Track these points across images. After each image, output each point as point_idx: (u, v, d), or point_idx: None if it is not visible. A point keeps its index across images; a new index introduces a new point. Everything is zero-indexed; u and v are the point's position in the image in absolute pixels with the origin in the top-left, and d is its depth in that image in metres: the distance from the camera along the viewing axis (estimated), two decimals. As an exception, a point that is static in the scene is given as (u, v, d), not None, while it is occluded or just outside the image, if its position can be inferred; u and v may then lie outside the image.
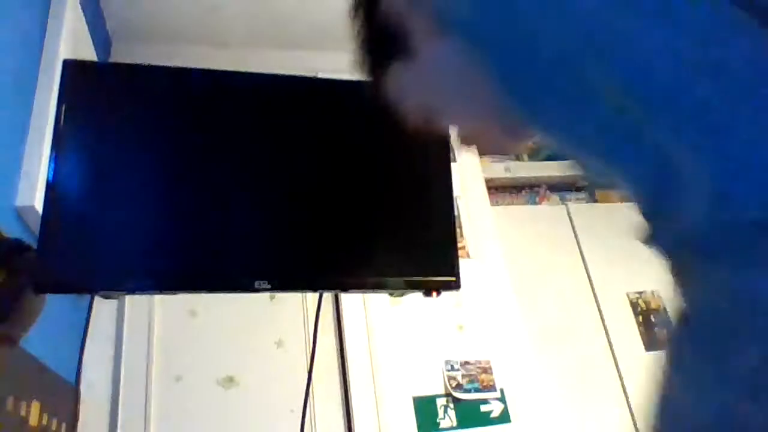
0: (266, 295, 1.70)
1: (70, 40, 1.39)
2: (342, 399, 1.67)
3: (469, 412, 1.68)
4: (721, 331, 0.31)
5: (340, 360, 1.72)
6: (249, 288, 0.83)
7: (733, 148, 0.31)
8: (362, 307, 1.78)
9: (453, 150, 2.13)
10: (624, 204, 2.64)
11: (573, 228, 2.43)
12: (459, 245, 2.04)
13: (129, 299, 1.63)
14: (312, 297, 1.76)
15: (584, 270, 2.34)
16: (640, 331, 2.25)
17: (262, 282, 0.83)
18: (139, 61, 0.94)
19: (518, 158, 2.79)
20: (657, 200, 0.36)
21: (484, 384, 1.73)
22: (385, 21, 0.51)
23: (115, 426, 1.50)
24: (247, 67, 0.94)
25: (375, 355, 1.72)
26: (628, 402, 2.10)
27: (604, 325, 2.23)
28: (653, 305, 2.32)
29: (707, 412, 0.31)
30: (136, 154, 0.86)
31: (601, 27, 0.35)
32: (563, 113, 0.39)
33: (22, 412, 0.99)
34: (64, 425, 1.20)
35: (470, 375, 1.73)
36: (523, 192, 2.60)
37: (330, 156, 0.94)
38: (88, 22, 1.54)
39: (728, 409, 0.30)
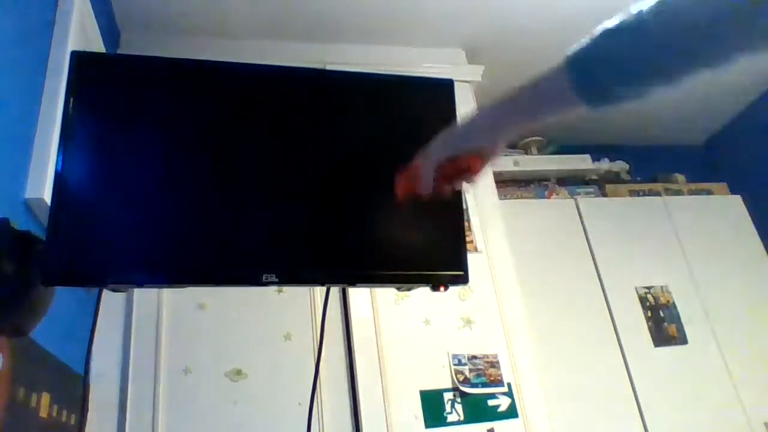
0: (274, 288, 1.70)
1: (79, 31, 1.38)
2: (349, 392, 1.67)
3: (477, 407, 1.68)
4: None
5: (347, 353, 1.72)
6: (257, 281, 0.82)
7: None
8: (370, 300, 1.78)
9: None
10: (633, 198, 2.65)
11: (582, 222, 2.41)
12: (467, 239, 2.03)
13: (138, 292, 1.64)
14: (320, 290, 1.76)
15: (593, 264, 2.32)
16: (648, 326, 2.24)
17: (269, 275, 0.82)
18: (147, 53, 0.94)
19: (527, 152, 2.78)
20: None
21: (492, 378, 1.73)
22: None
23: (124, 417, 1.51)
24: (256, 59, 0.93)
25: (382, 349, 1.71)
26: (636, 397, 2.09)
27: (612, 320, 2.22)
28: (662, 300, 2.31)
29: None
30: (144, 146, 0.86)
31: None
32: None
33: (33, 404, 0.99)
34: (73, 416, 1.21)
35: (477, 369, 1.73)
36: (532, 186, 2.59)
37: (338, 148, 0.94)
38: (96, 14, 1.54)
39: None
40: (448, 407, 1.66)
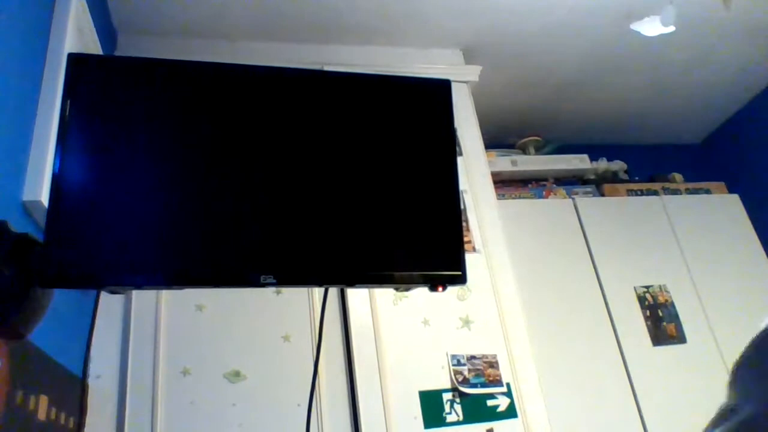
0: (272, 289, 1.70)
1: (75, 33, 1.38)
2: (348, 393, 1.67)
3: (476, 407, 1.68)
4: None
5: (346, 354, 1.72)
6: (255, 283, 0.82)
7: None
8: (368, 301, 1.78)
9: (459, 144, 2.13)
10: (631, 198, 2.66)
11: (580, 222, 2.42)
12: (465, 239, 2.04)
13: (136, 293, 1.64)
14: (318, 291, 1.76)
15: (591, 264, 2.32)
16: (647, 325, 2.24)
17: (267, 277, 0.82)
18: (144, 55, 0.94)
19: (525, 152, 2.78)
20: None
21: (491, 378, 1.73)
22: None
23: (123, 419, 1.51)
24: (253, 60, 0.93)
25: (381, 350, 1.71)
26: (635, 396, 2.09)
27: (611, 319, 2.22)
28: (661, 299, 2.31)
29: None
30: (141, 148, 0.86)
31: None
32: None
33: (31, 406, 0.99)
34: (72, 419, 1.20)
35: (476, 369, 1.73)
36: (530, 185, 2.59)
37: (336, 149, 0.94)
38: (93, 15, 1.53)
39: None
40: (447, 407, 1.66)
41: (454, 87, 1.03)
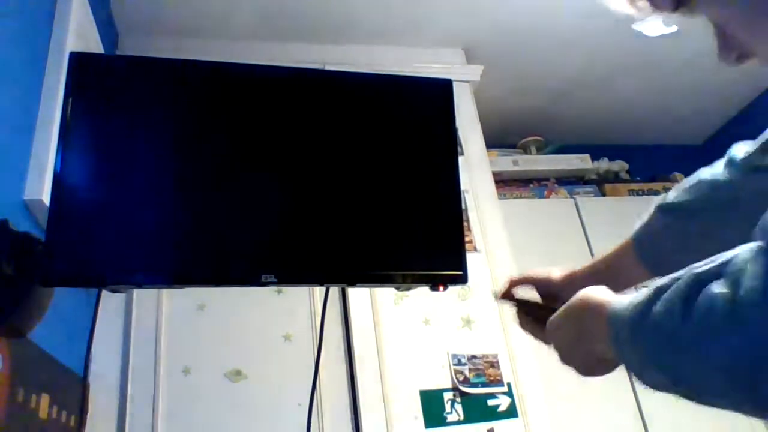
0: (274, 288, 1.70)
1: (77, 32, 1.38)
2: (349, 393, 1.67)
3: (476, 407, 1.68)
4: None
5: (347, 354, 1.72)
6: (256, 282, 0.83)
7: None
8: (369, 300, 1.78)
9: (460, 144, 2.13)
10: (632, 198, 2.64)
11: (581, 221, 2.41)
12: (466, 239, 2.03)
13: (137, 292, 1.64)
14: (319, 291, 1.76)
15: (592, 264, 2.32)
16: (648, 325, 2.24)
17: (268, 276, 0.83)
18: (146, 54, 0.94)
19: (526, 151, 2.78)
20: None
21: (491, 378, 1.73)
22: None
23: (124, 418, 1.51)
24: (255, 60, 0.93)
25: (382, 349, 1.71)
26: (636, 398, 2.09)
27: (612, 319, 2.22)
28: (662, 300, 2.31)
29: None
30: (143, 147, 0.86)
31: None
32: None
33: (32, 405, 0.99)
34: (73, 417, 1.21)
35: (477, 369, 1.73)
36: (531, 185, 2.59)
37: (337, 148, 0.94)
38: (95, 14, 1.53)
39: None
40: (447, 407, 1.66)
41: (456, 87, 1.03)
